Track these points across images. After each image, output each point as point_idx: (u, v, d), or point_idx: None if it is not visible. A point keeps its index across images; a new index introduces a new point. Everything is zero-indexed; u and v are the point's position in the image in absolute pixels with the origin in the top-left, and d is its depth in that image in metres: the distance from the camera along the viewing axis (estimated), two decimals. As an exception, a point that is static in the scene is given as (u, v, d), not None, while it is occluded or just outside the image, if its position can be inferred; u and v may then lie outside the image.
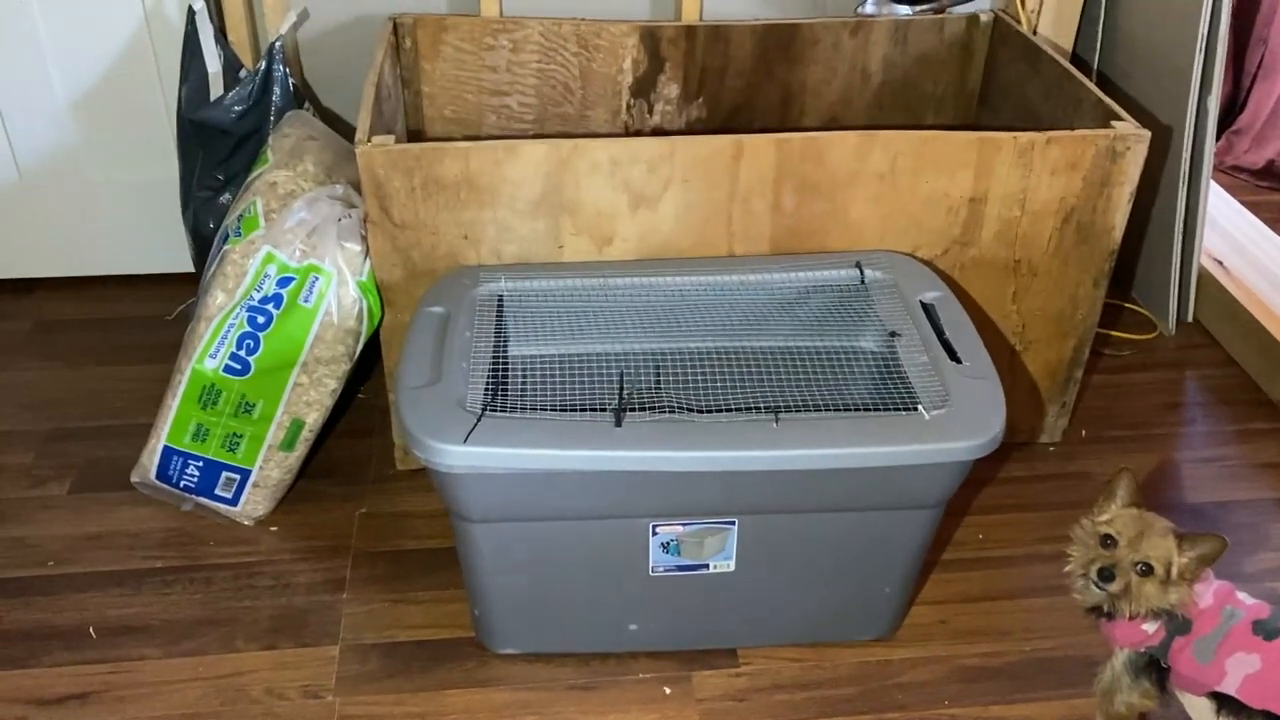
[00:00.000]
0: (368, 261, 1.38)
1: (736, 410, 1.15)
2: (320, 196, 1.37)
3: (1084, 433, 1.72)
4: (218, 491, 1.45)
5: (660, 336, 1.34)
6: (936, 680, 1.30)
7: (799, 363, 1.29)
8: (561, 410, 1.17)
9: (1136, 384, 1.84)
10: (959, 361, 1.23)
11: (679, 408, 1.15)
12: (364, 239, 1.37)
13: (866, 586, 1.28)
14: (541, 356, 1.31)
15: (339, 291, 1.35)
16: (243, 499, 1.46)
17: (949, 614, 1.39)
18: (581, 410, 1.17)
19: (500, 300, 1.34)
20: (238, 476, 1.44)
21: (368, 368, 1.70)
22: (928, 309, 1.32)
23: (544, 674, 1.30)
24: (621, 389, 1.16)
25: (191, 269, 1.86)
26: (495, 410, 1.14)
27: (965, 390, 1.18)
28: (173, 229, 1.87)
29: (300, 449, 1.45)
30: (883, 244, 1.47)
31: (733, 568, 1.22)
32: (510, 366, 1.24)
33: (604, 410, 1.15)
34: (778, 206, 1.43)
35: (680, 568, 1.22)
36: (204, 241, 1.71)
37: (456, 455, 1.09)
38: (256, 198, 1.39)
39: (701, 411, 1.15)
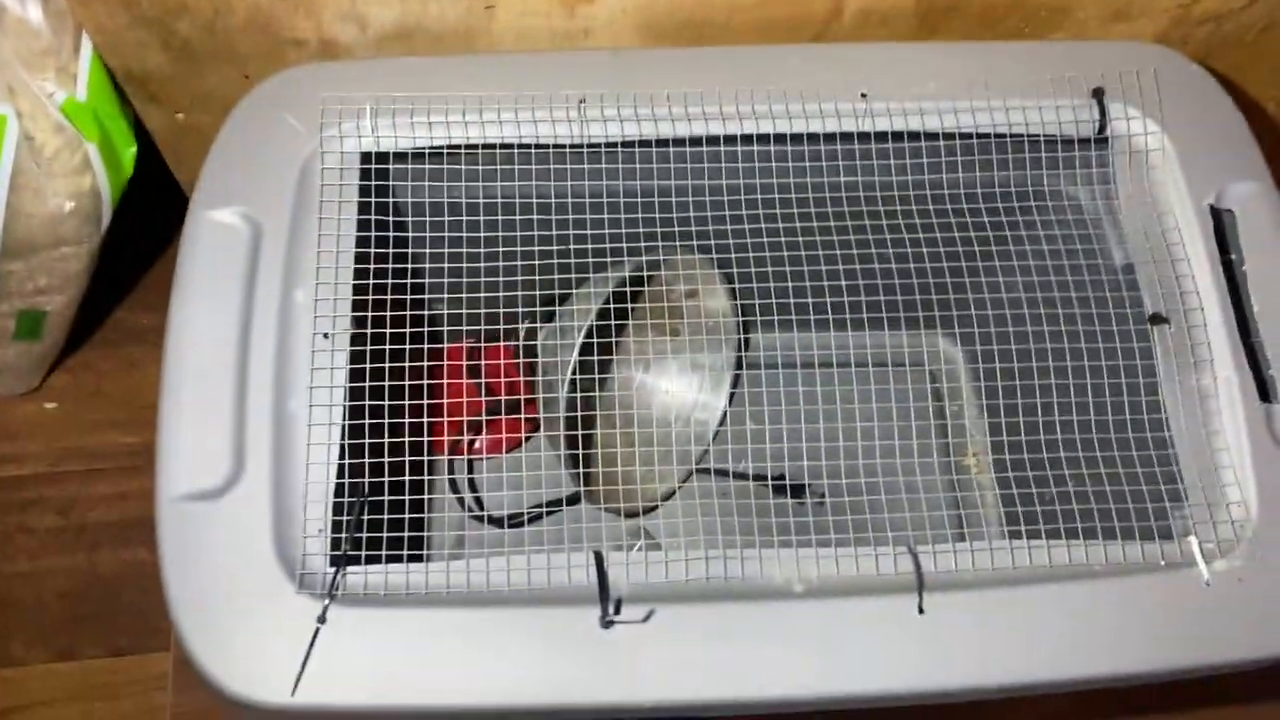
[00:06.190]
0: (81, 58, 0.65)
1: (843, 541, 0.58)
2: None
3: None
4: (-67, 385, 0.88)
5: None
6: None
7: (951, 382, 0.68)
8: (503, 521, 0.60)
9: None
10: (1275, 401, 0.63)
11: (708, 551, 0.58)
12: (50, 20, 0.63)
13: None
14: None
15: (31, 135, 0.65)
16: (-18, 385, 0.89)
17: None
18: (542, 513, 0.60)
19: (371, 179, 0.65)
20: (-42, 371, 0.86)
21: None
22: (1221, 225, 0.67)
23: None
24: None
25: None
26: (362, 554, 0.56)
27: (1283, 496, 0.61)
28: None
29: (53, 334, 0.85)
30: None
31: None
32: (390, 398, 0.62)
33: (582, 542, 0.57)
34: (949, -69, 0.68)
35: None
36: None
37: (283, 711, 0.54)
38: None
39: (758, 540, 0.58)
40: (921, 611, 0.57)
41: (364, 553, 0.56)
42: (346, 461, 0.58)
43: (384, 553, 0.56)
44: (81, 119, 0.67)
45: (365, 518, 0.58)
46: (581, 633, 0.55)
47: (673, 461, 0.85)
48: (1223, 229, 0.66)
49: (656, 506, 0.84)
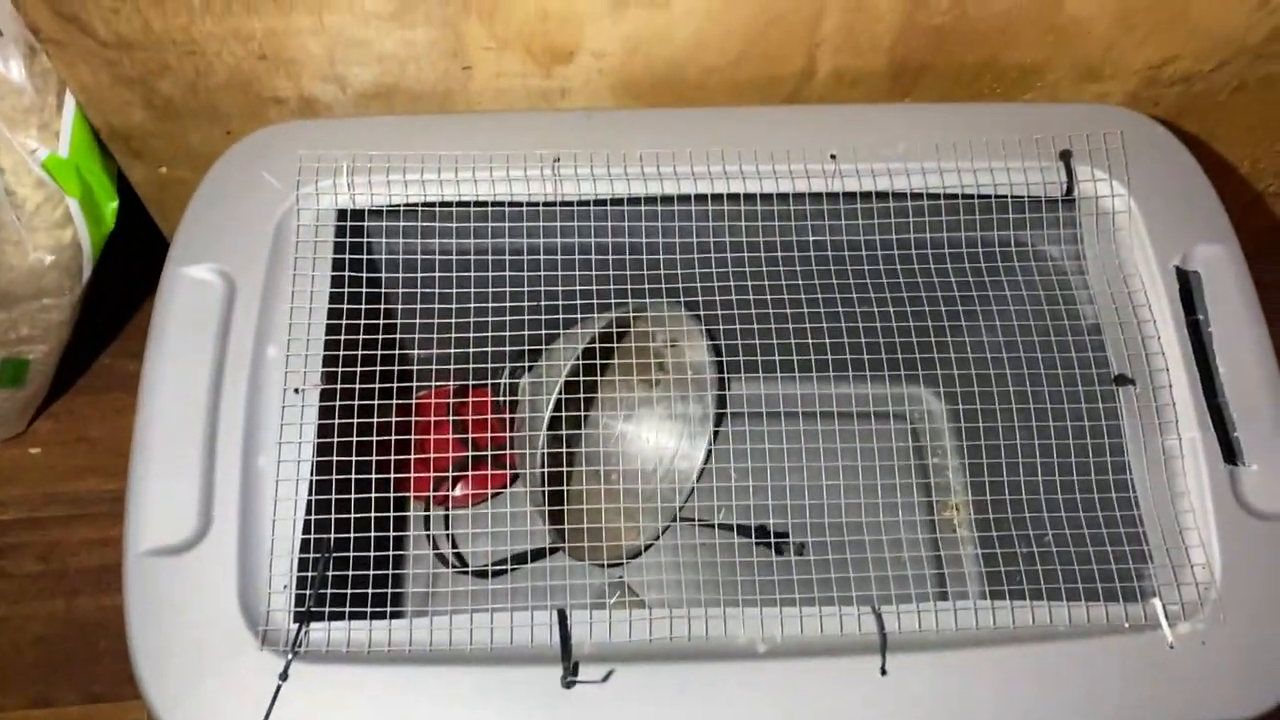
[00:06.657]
0: (65, 115, 0.66)
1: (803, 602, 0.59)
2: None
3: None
4: (-83, 431, 0.89)
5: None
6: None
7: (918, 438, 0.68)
8: (478, 572, 0.60)
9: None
10: (1239, 463, 0.63)
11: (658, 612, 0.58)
12: (35, 79, 0.64)
13: None
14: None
15: (13, 190, 0.66)
16: (-34, 431, 0.90)
17: None
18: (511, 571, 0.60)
19: (346, 236, 0.66)
20: (-59, 417, 0.86)
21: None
22: (1187, 286, 0.67)
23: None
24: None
25: None
26: (326, 610, 0.57)
27: (1250, 559, 0.61)
28: None
29: (36, 382, 0.86)
30: (1109, 56, 0.76)
31: None
32: (360, 456, 0.62)
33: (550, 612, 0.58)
34: (921, -5, 0.69)
35: None
36: None
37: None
38: None
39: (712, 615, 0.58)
40: (884, 673, 0.57)
41: (328, 609, 0.57)
42: (313, 517, 0.58)
43: (347, 609, 0.57)
44: (63, 175, 0.69)
45: (331, 574, 0.58)
46: (543, 692, 0.55)
47: (649, 513, 0.86)
48: (1189, 290, 0.67)
49: (633, 558, 0.84)
